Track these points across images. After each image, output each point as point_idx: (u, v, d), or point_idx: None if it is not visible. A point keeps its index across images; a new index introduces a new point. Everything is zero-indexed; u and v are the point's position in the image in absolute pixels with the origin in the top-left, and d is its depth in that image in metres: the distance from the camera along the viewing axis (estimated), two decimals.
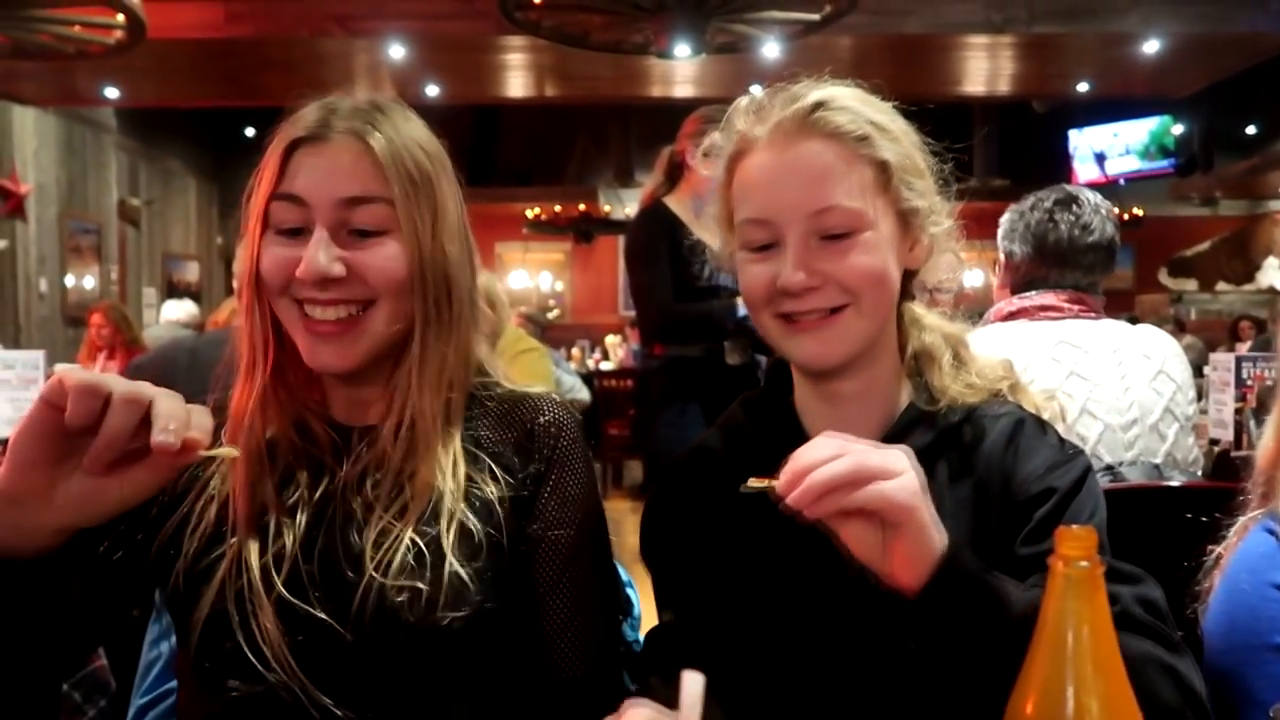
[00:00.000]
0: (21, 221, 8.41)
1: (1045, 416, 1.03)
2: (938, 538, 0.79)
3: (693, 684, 0.45)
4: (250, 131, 11.62)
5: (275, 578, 0.93)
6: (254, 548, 0.94)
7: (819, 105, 0.95)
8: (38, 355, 3.18)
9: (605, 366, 9.03)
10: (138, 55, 5.47)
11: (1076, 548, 0.58)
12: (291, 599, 0.93)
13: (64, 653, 0.92)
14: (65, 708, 1.07)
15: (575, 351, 9.64)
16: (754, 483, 0.81)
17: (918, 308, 1.06)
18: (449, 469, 0.98)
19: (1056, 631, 0.58)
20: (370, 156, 0.95)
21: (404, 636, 0.92)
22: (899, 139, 0.97)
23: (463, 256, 1.01)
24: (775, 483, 0.79)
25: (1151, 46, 6.99)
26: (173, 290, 10.38)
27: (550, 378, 3.63)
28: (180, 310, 7.31)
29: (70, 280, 9.04)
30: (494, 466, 1.00)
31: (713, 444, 1.07)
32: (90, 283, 9.31)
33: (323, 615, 0.92)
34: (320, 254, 0.93)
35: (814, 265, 0.93)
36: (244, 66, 7.45)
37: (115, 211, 9.81)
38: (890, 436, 0.96)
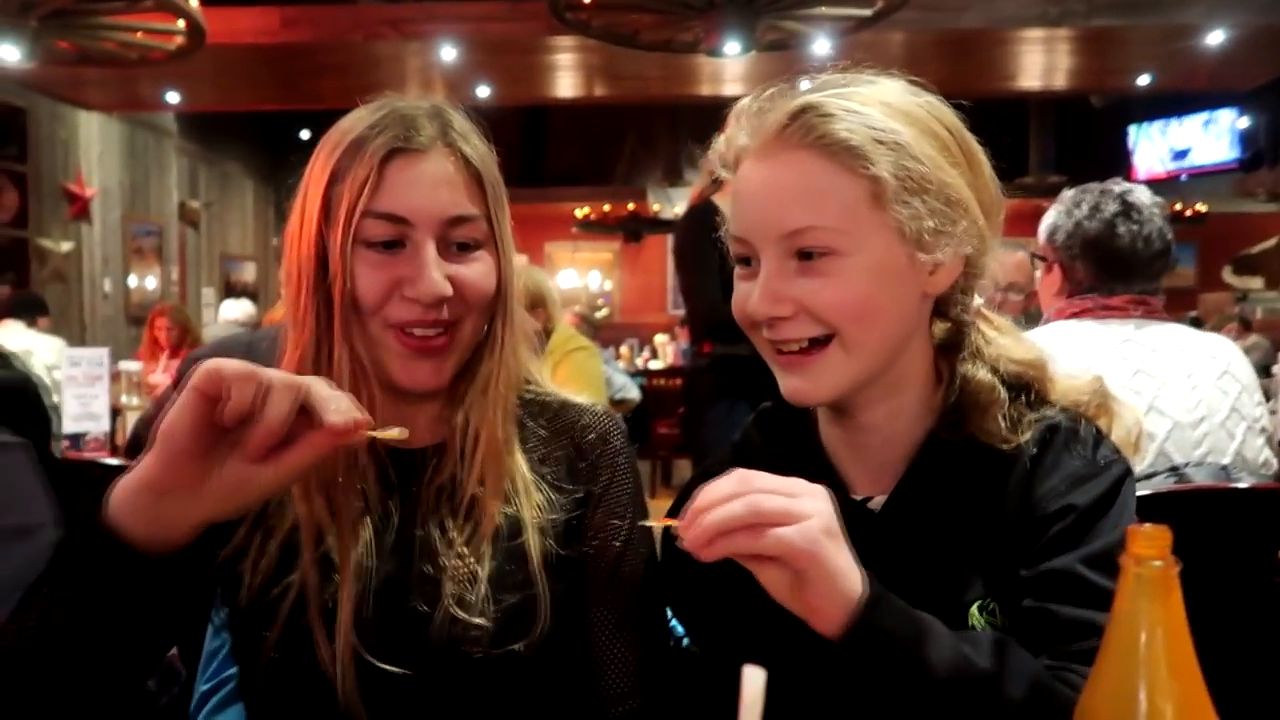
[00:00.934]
0: (87, 224, 8.66)
1: (1118, 435, 0.94)
2: (851, 586, 0.73)
3: (753, 680, 0.45)
4: (305, 134, 11.81)
5: (343, 609, 0.91)
6: (320, 579, 0.92)
7: (802, 111, 0.84)
8: (102, 353, 3.26)
9: (654, 366, 9.02)
10: (197, 61, 5.59)
11: (1149, 547, 0.56)
12: (359, 632, 0.91)
13: (163, 648, 0.90)
14: (144, 696, 1.09)
15: (624, 351, 9.65)
16: (653, 522, 0.78)
17: (986, 328, 0.94)
18: (521, 491, 0.97)
19: (1128, 633, 0.56)
20: (468, 170, 0.94)
21: (473, 666, 0.91)
22: (905, 148, 0.83)
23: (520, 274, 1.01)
24: (396, 431, 0.78)
25: (1216, 38, 6.80)
26: (230, 290, 10.60)
27: (600, 376, 3.63)
28: (238, 310, 7.46)
29: (133, 281, 9.28)
30: (549, 488, 0.99)
31: (724, 467, 1.03)
32: (152, 283, 9.55)
33: (391, 647, 0.91)
34: (437, 277, 0.90)
35: (786, 292, 0.84)
36: (299, 71, 7.58)
37: (176, 213, 10.06)
38: (915, 467, 0.90)
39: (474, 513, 0.95)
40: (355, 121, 0.95)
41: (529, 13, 6.31)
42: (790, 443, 0.96)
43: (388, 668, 0.91)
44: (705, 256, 2.83)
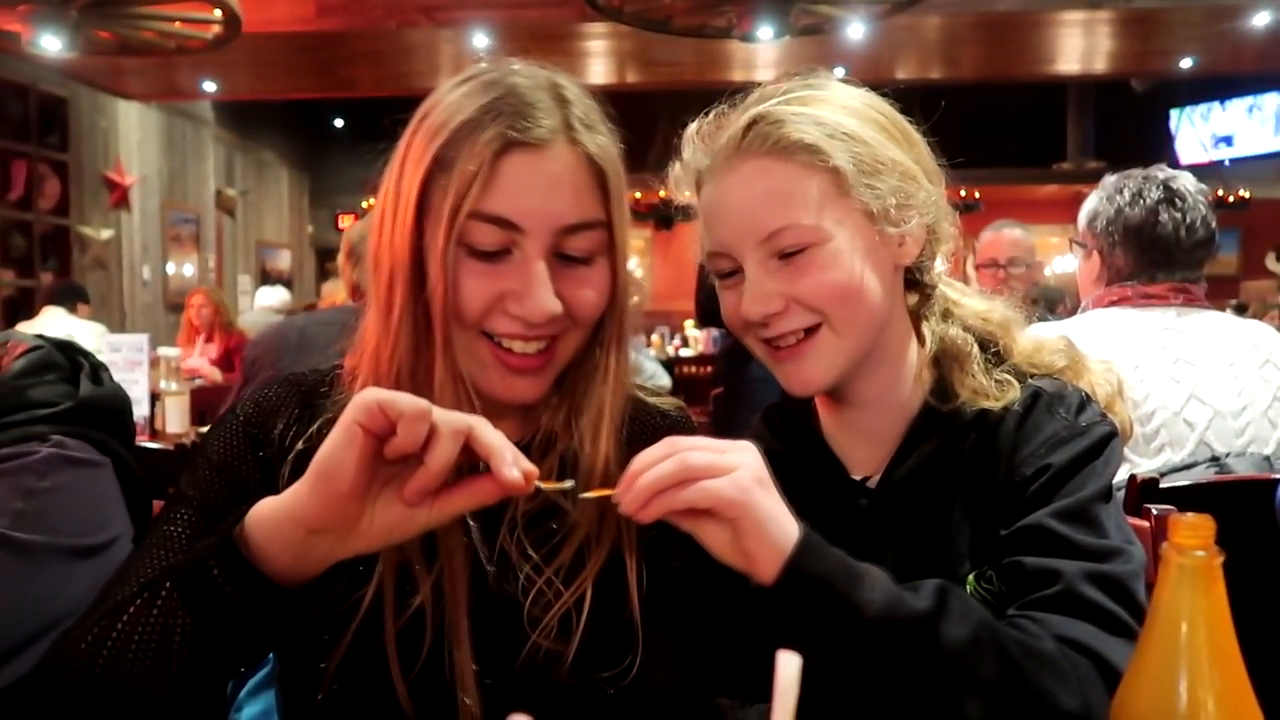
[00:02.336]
0: (126, 212, 8.79)
1: (1102, 391, 0.99)
2: (785, 532, 0.75)
3: (788, 664, 0.44)
4: (339, 122, 11.92)
5: (421, 633, 0.85)
6: (397, 594, 0.85)
7: (753, 123, 0.90)
8: (142, 339, 3.31)
9: (685, 353, 9.01)
10: (233, 50, 5.64)
11: (1191, 537, 0.55)
12: (430, 661, 0.85)
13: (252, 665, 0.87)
14: None
15: (655, 338, 9.65)
16: (591, 493, 0.78)
17: (951, 293, 1.00)
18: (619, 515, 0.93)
19: (1170, 624, 0.55)
20: (590, 170, 0.84)
21: (556, 693, 0.87)
22: (855, 136, 0.89)
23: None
24: (567, 484, 0.77)
25: (1262, 19, 6.64)
26: (266, 277, 10.73)
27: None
28: (274, 296, 7.55)
29: (171, 268, 9.42)
30: None
31: None
32: (189, 270, 9.69)
33: (465, 672, 0.85)
34: (548, 297, 0.82)
35: (774, 289, 0.89)
36: (334, 59, 7.63)
37: (213, 201, 10.18)
38: (906, 442, 0.94)
39: (569, 538, 0.89)
40: (463, 98, 0.84)
41: None
42: (794, 433, 1.02)
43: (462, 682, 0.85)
44: None
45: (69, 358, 1.16)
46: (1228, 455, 1.73)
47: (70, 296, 5.66)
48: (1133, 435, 1.02)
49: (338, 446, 0.68)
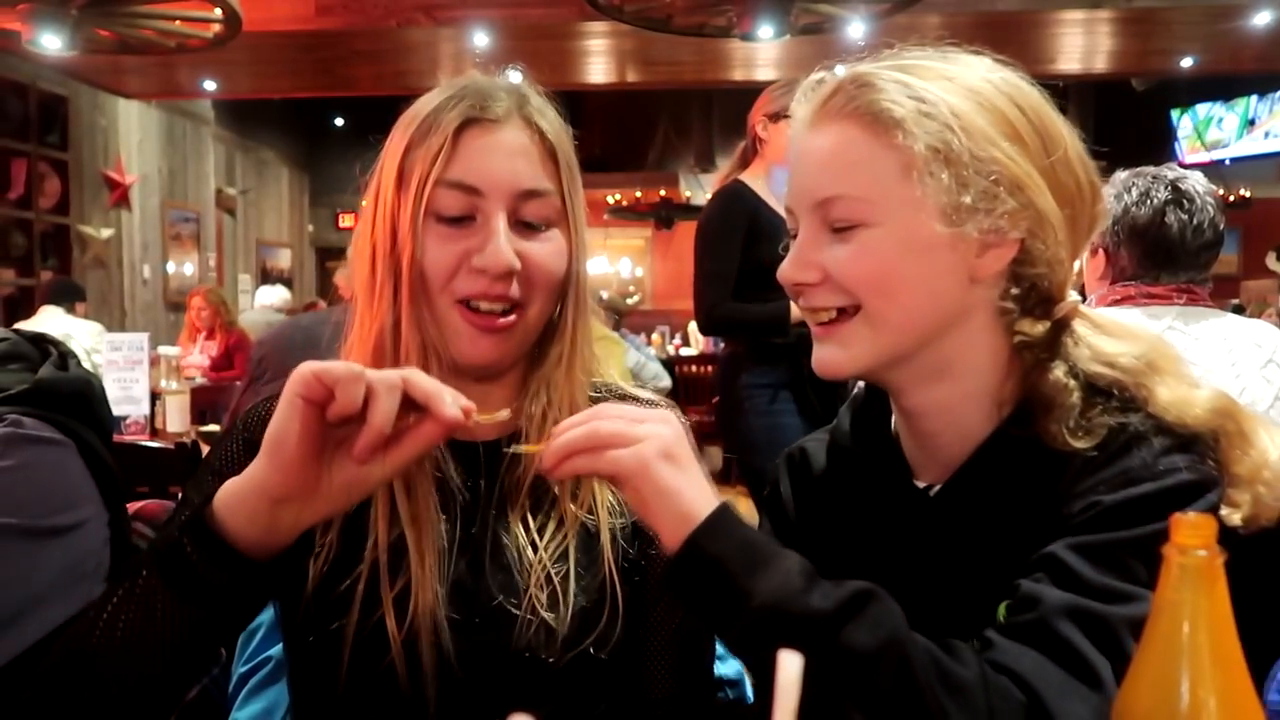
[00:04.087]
0: (126, 211, 8.79)
1: (1246, 465, 0.81)
2: (688, 508, 0.74)
3: (790, 664, 0.44)
4: (339, 121, 11.91)
5: (423, 597, 0.89)
6: (391, 567, 0.90)
7: (849, 83, 0.84)
8: (142, 338, 3.31)
9: (686, 352, 9.02)
10: (233, 48, 5.64)
11: (1193, 536, 0.55)
12: (426, 633, 0.89)
13: (229, 643, 0.90)
14: None
15: (656, 337, 9.66)
16: (522, 447, 0.86)
17: (1082, 327, 0.87)
18: (595, 489, 0.95)
19: (1171, 624, 0.55)
20: (543, 144, 0.93)
21: (542, 666, 0.90)
22: (958, 120, 0.80)
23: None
24: (503, 414, 0.82)
25: (1263, 19, 6.64)
26: (266, 276, 10.73)
27: (623, 366, 3.63)
28: (274, 295, 7.56)
29: (171, 267, 9.42)
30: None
31: (814, 450, 1.02)
32: (190, 269, 9.68)
33: (464, 641, 0.90)
34: (506, 248, 0.89)
35: (814, 258, 0.85)
36: (334, 58, 7.62)
37: (213, 200, 10.18)
38: (971, 462, 0.87)
39: (555, 509, 0.94)
40: (432, 96, 0.95)
41: None
42: (869, 430, 0.96)
43: (458, 655, 0.89)
44: (726, 244, 2.75)
45: (40, 349, 1.15)
46: None
47: (68, 295, 5.66)
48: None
49: (282, 419, 0.74)
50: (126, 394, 3.17)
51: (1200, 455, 0.80)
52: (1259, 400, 1.78)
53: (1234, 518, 0.79)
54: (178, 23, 5.19)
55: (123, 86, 8.49)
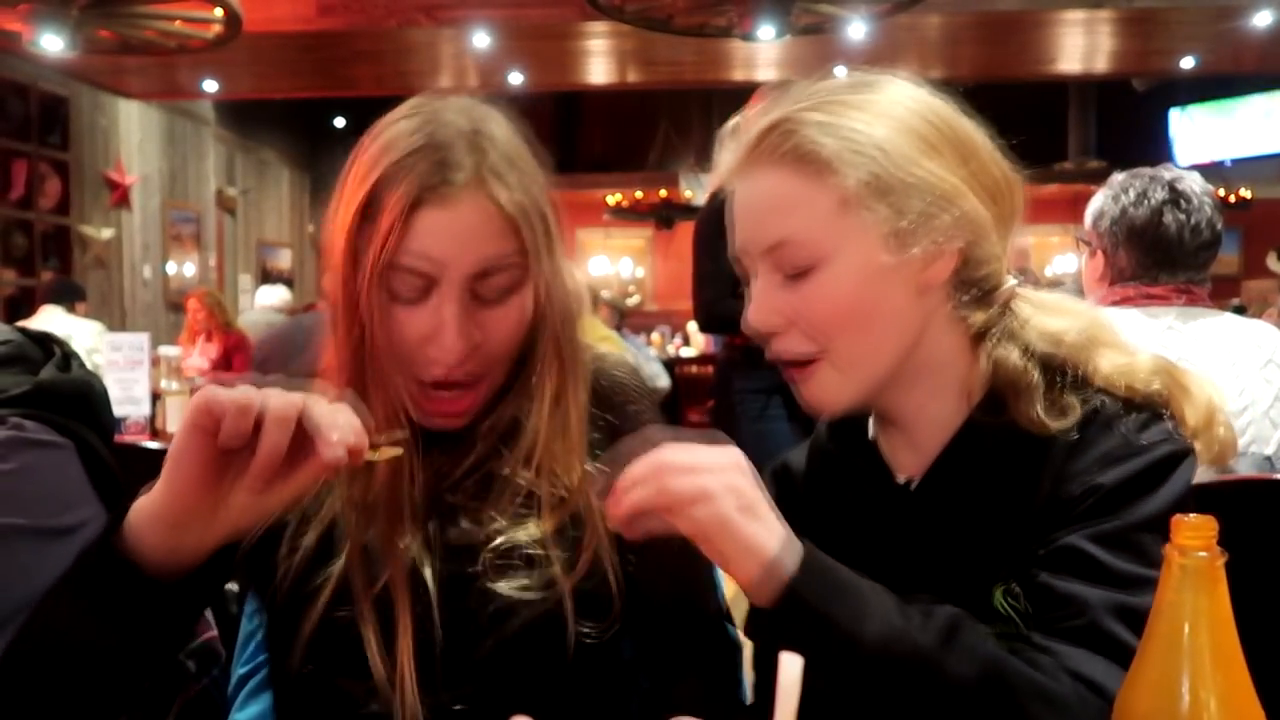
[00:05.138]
0: (127, 211, 8.79)
1: (1195, 415, 0.86)
2: (776, 558, 0.73)
3: (791, 666, 0.44)
4: (340, 122, 11.92)
5: (400, 607, 0.91)
6: (364, 568, 0.92)
7: (774, 126, 0.85)
8: (142, 338, 3.31)
9: (686, 353, 9.02)
10: (234, 49, 5.64)
11: (1194, 537, 0.55)
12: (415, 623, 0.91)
13: (170, 654, 0.90)
14: (182, 676, 1.10)
15: (656, 338, 9.66)
16: (374, 454, 0.79)
17: (1025, 308, 0.91)
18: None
19: (1172, 625, 0.55)
20: (502, 217, 0.89)
21: (538, 652, 0.91)
22: (883, 149, 0.83)
23: (573, 280, 0.99)
24: (400, 436, 0.81)
25: (1264, 19, 6.64)
26: (267, 276, 10.73)
27: None
28: (274, 296, 7.55)
29: (171, 267, 9.42)
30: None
31: (797, 461, 1.03)
32: (190, 269, 9.69)
33: (451, 636, 0.91)
34: (457, 338, 0.88)
35: (776, 306, 0.86)
36: (334, 58, 7.63)
37: (213, 201, 10.18)
38: (947, 453, 0.89)
39: (530, 501, 0.95)
40: (392, 138, 0.91)
41: None
42: (847, 435, 0.98)
43: (442, 643, 0.91)
44: (719, 249, 2.77)
45: (44, 349, 1.15)
46: None
47: (68, 295, 5.67)
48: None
49: (177, 446, 0.75)
50: (127, 394, 3.17)
51: (1170, 421, 0.85)
52: (1259, 400, 1.78)
53: (1203, 464, 0.85)
54: (178, 23, 5.19)
55: (123, 87, 8.49)
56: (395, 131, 0.91)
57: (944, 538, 0.88)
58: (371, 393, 0.91)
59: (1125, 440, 0.82)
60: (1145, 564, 0.77)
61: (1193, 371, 0.91)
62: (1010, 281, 0.91)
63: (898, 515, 0.92)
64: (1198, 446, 0.86)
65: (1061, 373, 0.87)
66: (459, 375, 0.91)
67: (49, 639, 0.80)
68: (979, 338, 0.90)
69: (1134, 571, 0.77)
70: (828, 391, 0.87)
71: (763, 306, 0.86)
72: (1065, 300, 0.94)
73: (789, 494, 1.00)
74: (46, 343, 1.16)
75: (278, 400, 0.73)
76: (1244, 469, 1.70)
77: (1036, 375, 0.87)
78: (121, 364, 3.19)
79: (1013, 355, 0.87)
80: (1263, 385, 1.79)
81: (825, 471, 0.98)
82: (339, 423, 0.74)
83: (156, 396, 3.27)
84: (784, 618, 0.73)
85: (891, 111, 0.85)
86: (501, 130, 0.93)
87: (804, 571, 0.73)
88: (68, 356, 1.15)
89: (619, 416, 1.02)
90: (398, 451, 0.82)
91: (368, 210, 0.89)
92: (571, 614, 0.91)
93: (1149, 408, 0.85)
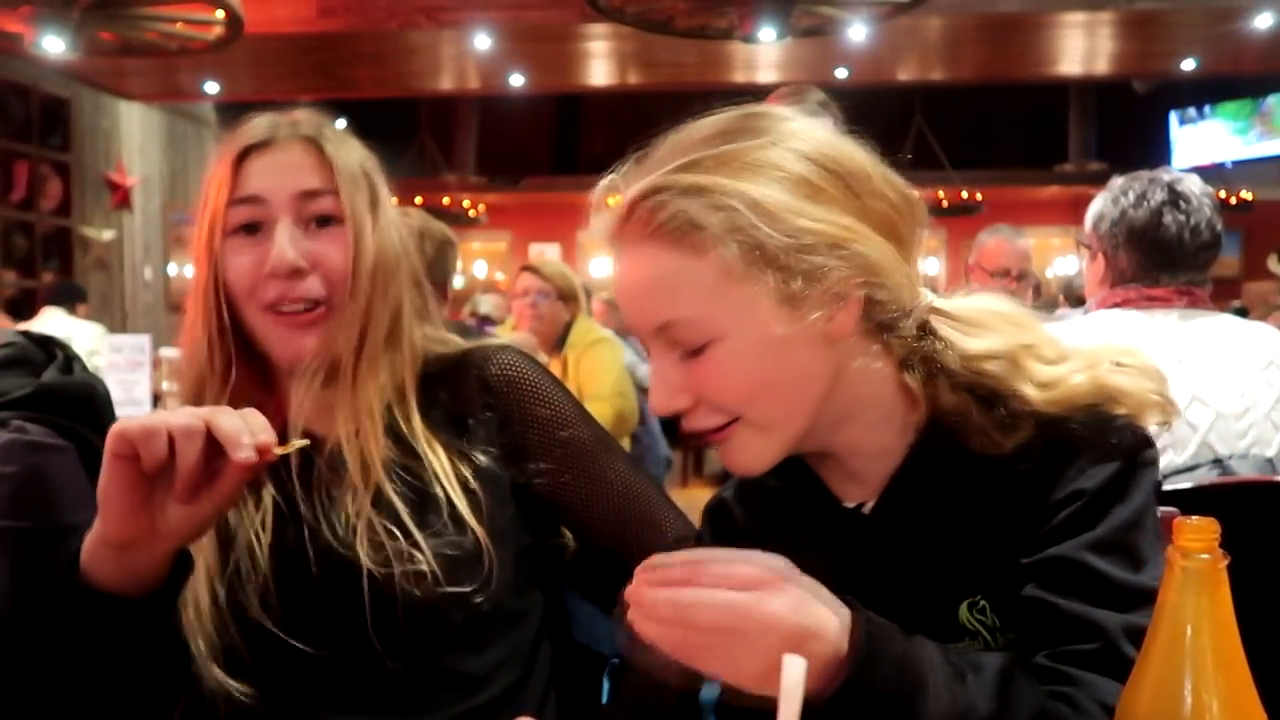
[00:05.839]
0: (128, 213, 8.80)
1: (1131, 401, 0.84)
2: (833, 647, 0.68)
3: (793, 668, 0.44)
4: (341, 123, 11.88)
5: (246, 577, 0.99)
6: (220, 552, 1.00)
7: (640, 200, 0.79)
8: (143, 339, 3.32)
9: None
10: (235, 51, 5.65)
11: (1196, 539, 0.55)
12: (265, 598, 0.99)
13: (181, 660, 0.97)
14: (184, 678, 1.12)
15: None
16: (280, 449, 0.84)
17: (945, 327, 0.85)
18: (426, 453, 1.02)
19: (1174, 627, 0.55)
20: (319, 154, 1.03)
21: (420, 616, 0.97)
22: (762, 208, 0.76)
23: (400, 245, 1.07)
24: (304, 443, 0.89)
25: (1264, 21, 6.64)
26: None
27: (621, 366, 3.60)
28: None
29: (173, 269, 9.42)
30: (458, 439, 1.04)
31: (731, 497, 0.98)
32: (190, 271, 9.68)
33: (311, 610, 0.98)
34: (288, 247, 0.99)
35: (678, 385, 0.80)
36: (336, 60, 7.64)
37: None
38: (899, 477, 0.86)
39: (368, 484, 1.01)
40: (230, 136, 1.07)
41: (563, 0, 6.31)
42: (788, 466, 0.90)
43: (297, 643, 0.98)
44: None
45: (47, 351, 1.15)
46: (1230, 457, 1.72)
47: (69, 297, 5.66)
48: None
49: (104, 477, 0.81)
50: (128, 396, 3.18)
51: (1120, 411, 0.83)
52: (1260, 403, 1.78)
53: (1153, 427, 0.84)
54: (180, 25, 5.19)
55: (125, 89, 8.50)
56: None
57: (904, 559, 0.85)
58: (237, 352, 1.03)
59: (1091, 443, 0.80)
60: (1140, 567, 0.77)
61: (1124, 353, 0.88)
62: (924, 299, 0.86)
63: (852, 539, 0.88)
64: (1151, 420, 0.85)
65: (995, 394, 0.83)
66: (297, 295, 1.00)
67: (31, 665, 0.87)
68: (904, 365, 0.85)
69: (1134, 581, 0.76)
70: (749, 452, 0.83)
71: (664, 389, 0.81)
72: (983, 307, 0.89)
73: (727, 531, 0.96)
74: (49, 345, 1.16)
75: (182, 418, 0.80)
76: (1245, 471, 1.70)
77: (976, 411, 0.82)
78: (123, 366, 3.20)
79: (945, 394, 0.83)
80: (1264, 388, 1.79)
81: (764, 502, 0.93)
82: (249, 425, 0.81)
83: (157, 398, 3.27)
84: (846, 704, 0.68)
85: (769, 160, 0.79)
86: (335, 128, 1.08)
87: (866, 653, 0.68)
88: (70, 359, 1.16)
89: (486, 388, 1.08)
90: (304, 443, 0.90)
91: (209, 176, 1.06)
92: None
93: (1095, 406, 0.83)
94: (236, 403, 0.98)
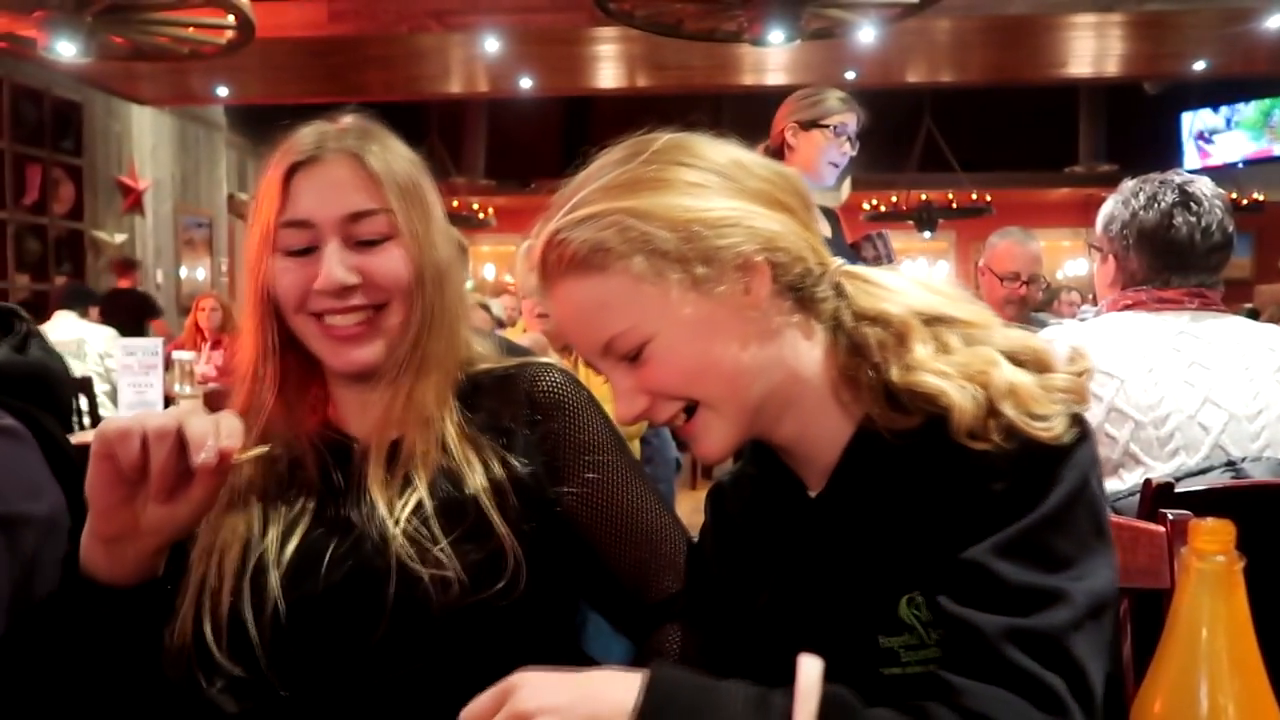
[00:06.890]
0: (140, 216, 8.85)
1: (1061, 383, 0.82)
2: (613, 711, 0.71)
3: (810, 669, 0.44)
4: None
5: (270, 575, 0.99)
6: (243, 551, 1.01)
7: (545, 252, 0.88)
8: (156, 342, 3.33)
9: None
10: (246, 55, 5.68)
11: (1212, 542, 0.55)
12: (289, 593, 0.98)
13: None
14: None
15: None
16: (242, 455, 0.89)
17: (849, 287, 0.89)
18: (461, 459, 1.02)
19: (1189, 629, 0.55)
20: (365, 171, 1.02)
21: (438, 622, 0.97)
22: (643, 222, 0.83)
23: (451, 255, 1.08)
24: (264, 449, 0.95)
25: (1274, 22, 6.62)
26: None
27: None
28: None
29: (184, 272, 9.47)
30: (500, 448, 1.04)
31: (728, 483, 1.03)
32: (201, 274, 9.73)
33: (335, 610, 0.98)
34: (336, 267, 1.00)
35: (632, 387, 0.88)
36: (346, 64, 7.67)
37: (225, 206, 10.23)
38: (842, 465, 0.88)
39: (408, 486, 1.02)
40: (280, 149, 1.06)
41: (572, 4, 6.32)
42: (763, 452, 0.96)
43: (321, 631, 0.98)
44: None
45: (4, 325, 1.12)
46: (1243, 459, 1.72)
47: (81, 300, 5.68)
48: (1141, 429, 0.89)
49: (89, 476, 0.86)
50: (141, 398, 3.19)
51: (1058, 401, 0.81)
52: (1273, 404, 1.78)
53: (1077, 407, 0.82)
54: (191, 29, 5.23)
55: (137, 93, 8.54)
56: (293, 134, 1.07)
57: (849, 549, 0.86)
58: (285, 352, 1.04)
59: (1001, 431, 0.79)
60: (1049, 569, 0.75)
61: (1020, 340, 0.87)
62: (835, 263, 0.91)
63: (808, 529, 0.91)
64: (1074, 385, 0.83)
65: (875, 368, 0.85)
66: (349, 305, 1.01)
67: (32, 656, 0.92)
68: (834, 345, 0.88)
69: (1034, 583, 0.74)
70: (713, 436, 0.88)
71: (622, 398, 0.89)
72: (894, 285, 0.91)
73: (722, 515, 1.02)
74: (7, 318, 1.12)
75: (156, 421, 0.84)
76: (1260, 474, 1.69)
77: (863, 371, 0.85)
78: (135, 368, 3.21)
79: (842, 343, 0.87)
80: (1276, 389, 1.79)
81: (750, 490, 0.98)
82: (220, 429, 0.85)
83: (170, 400, 3.28)
84: None
85: (646, 175, 0.87)
86: (383, 130, 1.07)
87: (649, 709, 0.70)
88: (28, 335, 1.12)
89: (530, 398, 1.09)
90: (264, 449, 0.95)
91: (259, 193, 1.05)
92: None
93: (936, 411, 0.82)
94: (283, 399, 1.04)
